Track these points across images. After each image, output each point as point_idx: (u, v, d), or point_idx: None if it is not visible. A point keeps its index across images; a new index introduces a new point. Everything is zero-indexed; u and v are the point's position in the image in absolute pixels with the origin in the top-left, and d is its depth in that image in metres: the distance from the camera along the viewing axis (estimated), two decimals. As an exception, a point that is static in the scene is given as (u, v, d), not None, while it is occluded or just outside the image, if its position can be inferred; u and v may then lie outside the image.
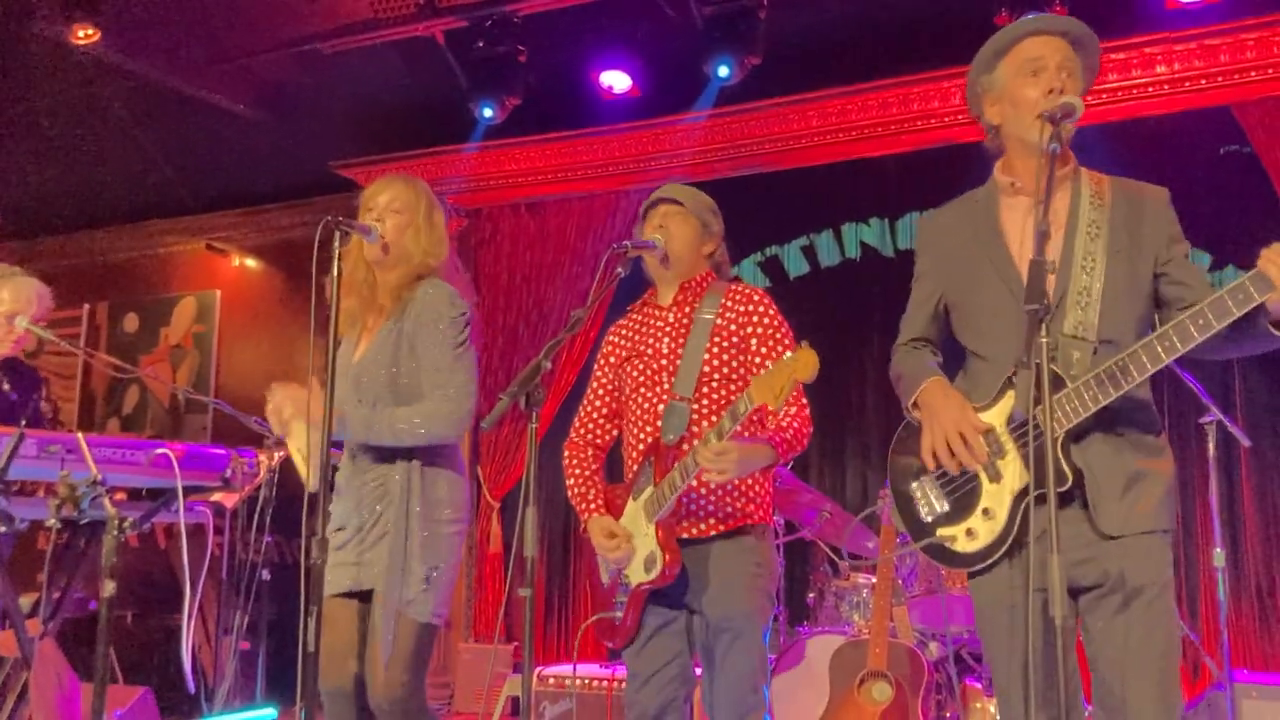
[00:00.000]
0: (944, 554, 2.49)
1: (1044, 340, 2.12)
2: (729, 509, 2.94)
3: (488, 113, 6.09)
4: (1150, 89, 5.42)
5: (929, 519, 2.49)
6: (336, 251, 2.89)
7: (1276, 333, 2.15)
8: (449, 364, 3.00)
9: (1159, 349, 2.21)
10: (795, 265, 6.59)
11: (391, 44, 6.25)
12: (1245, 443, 4.39)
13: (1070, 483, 2.27)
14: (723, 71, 5.62)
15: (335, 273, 2.88)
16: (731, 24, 5.57)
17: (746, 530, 2.95)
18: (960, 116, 5.60)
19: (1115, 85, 5.44)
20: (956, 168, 5.12)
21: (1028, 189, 2.48)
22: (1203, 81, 5.33)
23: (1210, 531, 4.42)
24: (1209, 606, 5.24)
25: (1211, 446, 4.42)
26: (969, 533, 2.42)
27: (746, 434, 2.88)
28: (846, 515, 5.04)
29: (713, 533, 2.94)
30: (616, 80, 6.08)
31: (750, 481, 2.99)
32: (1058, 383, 2.29)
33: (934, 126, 5.85)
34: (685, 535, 2.92)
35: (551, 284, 6.84)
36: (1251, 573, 5.37)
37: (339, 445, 3.08)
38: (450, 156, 6.65)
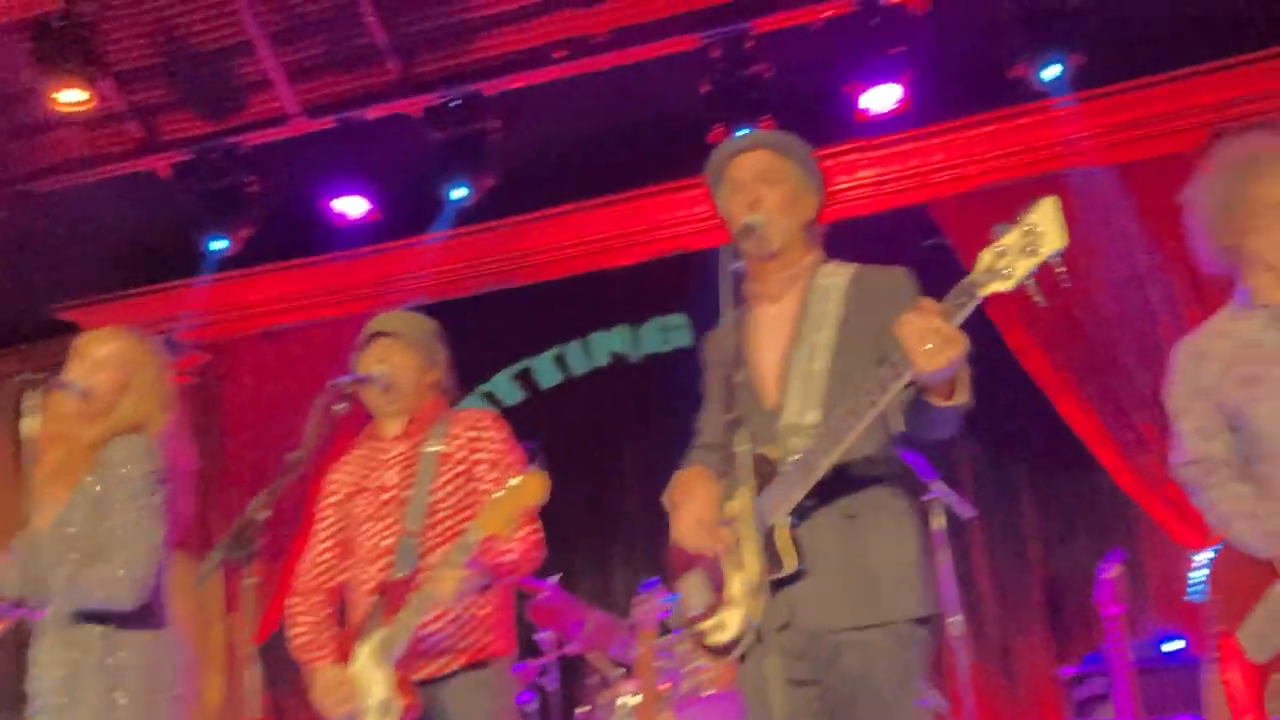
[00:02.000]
0: (702, 648, 2.51)
1: (743, 448, 2.22)
2: (467, 642, 2.90)
3: (219, 244, 5.91)
4: (855, 192, 5.86)
5: (694, 612, 2.51)
6: (31, 409, 2.73)
7: (935, 402, 2.15)
8: (134, 524, 2.83)
9: (841, 426, 2.25)
10: (548, 376, 6.66)
11: (112, 179, 6.01)
12: (967, 515, 4.70)
13: (793, 568, 2.30)
14: (459, 193, 5.68)
15: (29, 432, 2.71)
16: (466, 146, 5.66)
17: (486, 664, 2.91)
18: (690, 225, 5.88)
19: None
20: (693, 274, 5.35)
21: (768, 294, 2.58)
22: (900, 183, 5.81)
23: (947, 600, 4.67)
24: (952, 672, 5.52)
25: (938, 520, 4.70)
26: (720, 625, 2.44)
27: (477, 561, 2.86)
28: (614, 621, 5.05)
29: (454, 666, 2.89)
30: (353, 205, 6.04)
31: (489, 611, 2.96)
32: (773, 471, 2.36)
33: (666, 236, 6.10)
34: (423, 676, 2.85)
35: (301, 414, 6.56)
36: (992, 635, 5.71)
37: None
38: (182, 291, 6.41)
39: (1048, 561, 5.85)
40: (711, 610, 2.47)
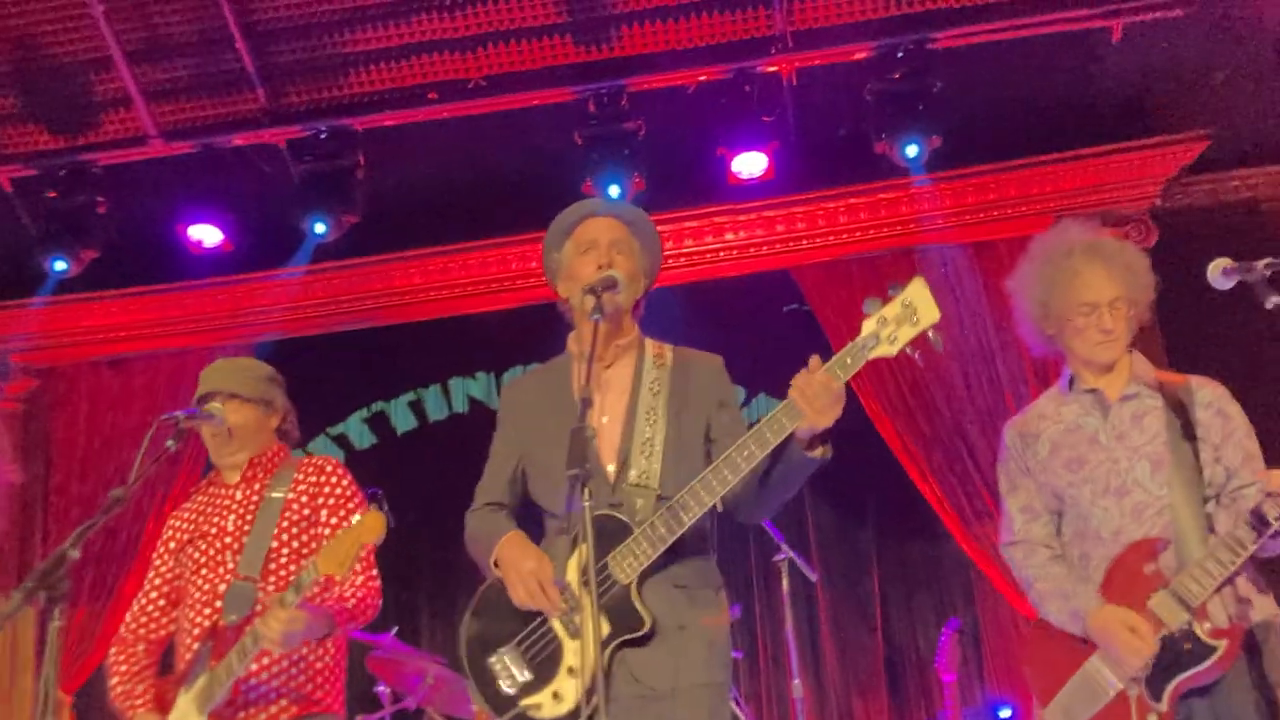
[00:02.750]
0: None
1: (587, 504, 2.20)
2: (299, 692, 2.76)
3: (60, 265, 5.60)
4: (722, 253, 5.95)
5: (512, 691, 2.45)
6: None
7: (810, 454, 2.33)
8: None
9: (712, 481, 2.36)
10: (403, 421, 6.51)
11: (-56, 192, 5.66)
12: (813, 577, 4.76)
13: (648, 627, 2.34)
14: (319, 229, 5.53)
15: None
16: (328, 182, 5.52)
17: (316, 718, 2.78)
18: (556, 276, 5.85)
19: (692, 250, 5.92)
20: (557, 325, 5.32)
21: (602, 357, 2.60)
22: (765, 248, 5.92)
23: (789, 664, 4.70)
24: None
25: (785, 582, 4.75)
26: (555, 696, 2.40)
27: (311, 603, 2.74)
28: (454, 676, 4.91)
29: (283, 717, 2.75)
30: (207, 234, 5.82)
31: (320, 666, 2.84)
32: (624, 530, 2.38)
33: (534, 285, 6.05)
34: (247, 727, 2.71)
35: (137, 448, 6.30)
36: (834, 698, 5.76)
37: None
38: (16, 311, 6.06)
39: (890, 627, 5.96)
40: (533, 686, 2.43)
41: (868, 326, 2.28)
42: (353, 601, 2.83)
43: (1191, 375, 2.78)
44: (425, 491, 5.65)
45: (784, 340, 5.92)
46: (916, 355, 2.29)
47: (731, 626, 5.53)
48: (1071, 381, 2.84)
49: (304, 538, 2.89)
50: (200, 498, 3.04)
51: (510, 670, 2.46)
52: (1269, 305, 2.25)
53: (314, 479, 2.95)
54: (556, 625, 2.42)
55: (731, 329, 5.73)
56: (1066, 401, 2.85)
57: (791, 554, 4.69)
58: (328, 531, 2.88)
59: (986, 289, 5.73)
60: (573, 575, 2.41)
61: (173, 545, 2.99)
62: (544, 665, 2.43)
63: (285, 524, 2.88)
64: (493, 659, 2.48)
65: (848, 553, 6.02)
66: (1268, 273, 2.27)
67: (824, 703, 5.75)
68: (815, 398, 2.22)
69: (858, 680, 5.84)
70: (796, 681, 4.61)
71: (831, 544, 6.00)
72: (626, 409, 2.55)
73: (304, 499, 2.92)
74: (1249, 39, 5.20)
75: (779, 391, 6.46)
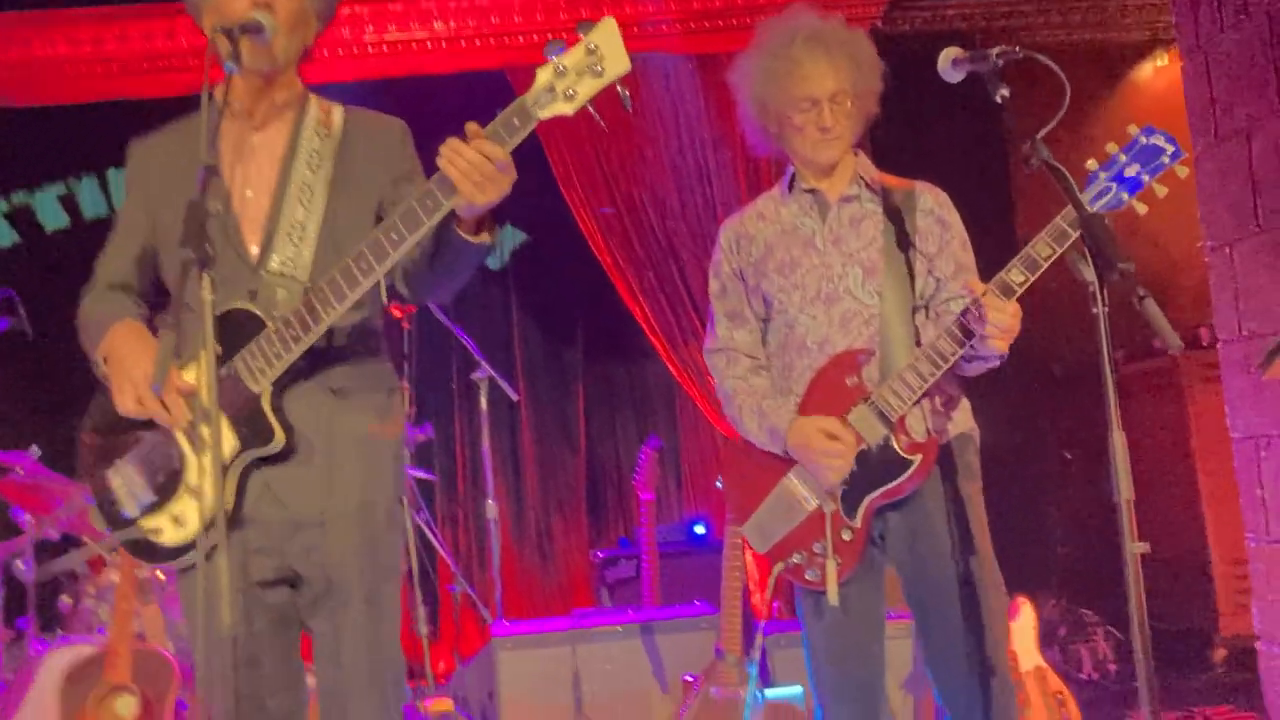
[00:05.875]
0: (150, 550, 2.07)
1: (206, 295, 1.78)
2: None
3: None
4: (430, 45, 5.39)
5: (134, 513, 2.07)
6: None
7: (472, 239, 1.96)
8: None
9: (354, 271, 1.95)
10: (52, 217, 5.66)
11: None
12: (514, 396, 4.52)
13: (281, 442, 1.98)
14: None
15: None
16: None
17: None
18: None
19: (396, 39, 5.32)
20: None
21: (251, 118, 2.14)
22: (477, 42, 5.40)
23: (484, 485, 4.48)
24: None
25: (484, 401, 4.48)
26: (176, 520, 2.03)
27: None
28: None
29: None
30: None
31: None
32: (257, 326, 1.99)
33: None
34: None
35: None
36: (532, 521, 5.65)
37: None
38: None
39: (593, 447, 5.88)
40: (155, 506, 2.05)
41: (542, 77, 1.86)
42: None
43: (917, 180, 2.62)
44: (74, 293, 4.93)
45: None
46: (601, 121, 1.90)
47: (429, 446, 5.33)
48: (792, 181, 2.63)
49: None
50: None
51: (131, 489, 2.07)
52: (998, 98, 2.08)
53: None
54: (181, 437, 2.01)
55: (441, 136, 5.24)
56: (786, 202, 2.63)
57: (492, 372, 4.42)
58: None
59: (708, 107, 5.52)
60: (193, 376, 2.00)
61: None
62: (167, 485, 2.04)
63: None
64: (112, 474, 2.09)
65: (554, 372, 5.85)
66: (1000, 62, 2.08)
67: (523, 523, 5.63)
68: (471, 170, 1.83)
69: (558, 500, 5.76)
70: (490, 502, 4.41)
71: (538, 363, 5.81)
72: (276, 183, 2.11)
73: None
74: None
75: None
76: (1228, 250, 3.08)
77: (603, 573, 5.07)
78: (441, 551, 4.65)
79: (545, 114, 1.85)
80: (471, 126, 1.85)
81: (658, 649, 3.60)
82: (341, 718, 2.05)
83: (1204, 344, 4.78)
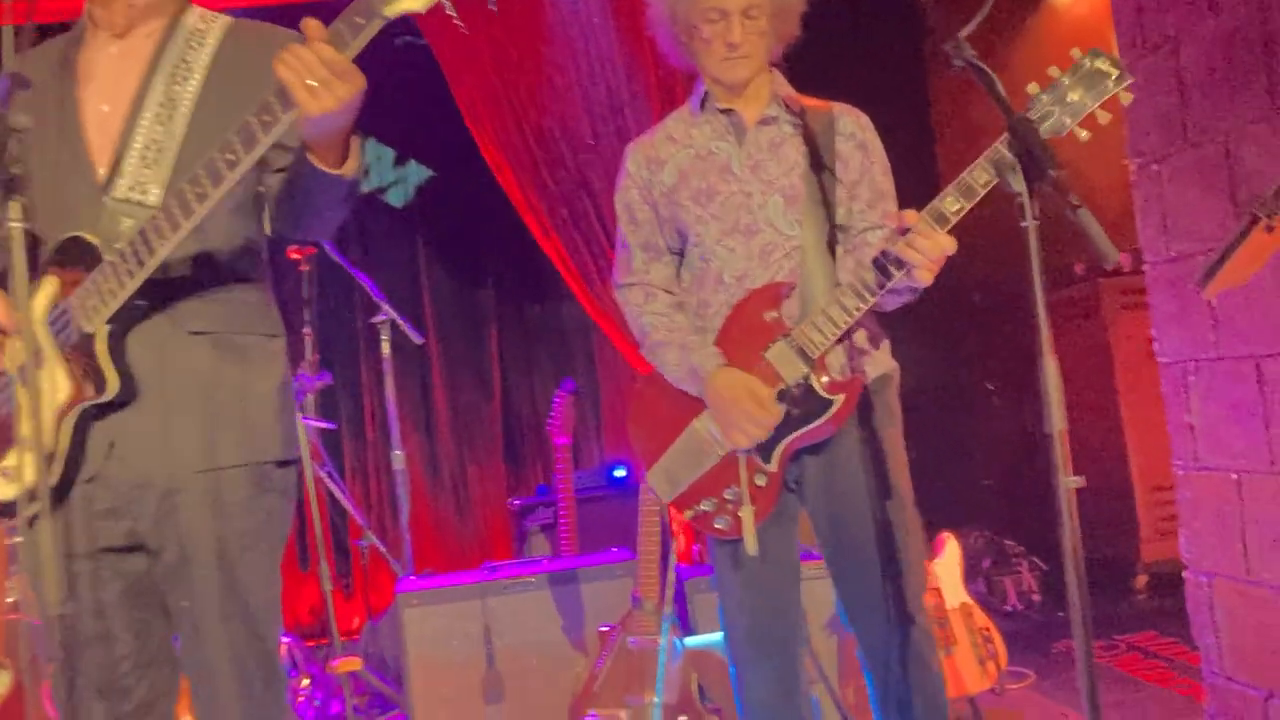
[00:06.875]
0: None
1: (14, 222, 1.54)
2: None
3: None
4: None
5: None
6: None
7: (327, 170, 1.70)
8: None
9: (188, 195, 1.69)
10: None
11: None
12: (417, 339, 4.29)
13: (114, 389, 1.75)
14: None
15: None
16: None
17: None
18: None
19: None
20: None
21: (111, 24, 1.90)
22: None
23: (389, 434, 4.26)
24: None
25: (387, 346, 4.24)
26: (5, 473, 1.82)
27: None
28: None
29: None
30: None
31: None
32: (95, 257, 1.75)
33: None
34: None
35: None
36: (447, 470, 5.45)
37: None
38: None
39: (509, 391, 5.68)
40: None
41: None
42: None
43: (836, 102, 2.43)
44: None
45: (396, 78, 5.21)
46: (493, 6, 1.65)
47: (332, 395, 5.08)
48: (704, 100, 2.42)
49: None
50: None
51: None
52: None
53: None
54: (17, 385, 1.78)
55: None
56: (697, 123, 2.42)
57: (394, 314, 4.18)
58: None
59: (620, 30, 5.27)
60: (37, 315, 1.76)
61: None
62: (2, 430, 1.81)
63: None
64: None
65: (465, 314, 5.62)
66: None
67: (437, 472, 5.42)
68: (305, 73, 1.56)
69: (473, 448, 5.56)
70: (397, 452, 4.19)
71: (448, 305, 5.56)
72: (134, 98, 1.86)
73: None
74: None
75: (388, 138, 5.76)
76: (1155, 167, 2.96)
77: (521, 521, 4.91)
78: (347, 505, 4.43)
79: (392, 11, 1.57)
80: (310, 25, 1.58)
81: (572, 599, 3.45)
82: (211, 701, 1.85)
83: (1125, 270, 4.71)
